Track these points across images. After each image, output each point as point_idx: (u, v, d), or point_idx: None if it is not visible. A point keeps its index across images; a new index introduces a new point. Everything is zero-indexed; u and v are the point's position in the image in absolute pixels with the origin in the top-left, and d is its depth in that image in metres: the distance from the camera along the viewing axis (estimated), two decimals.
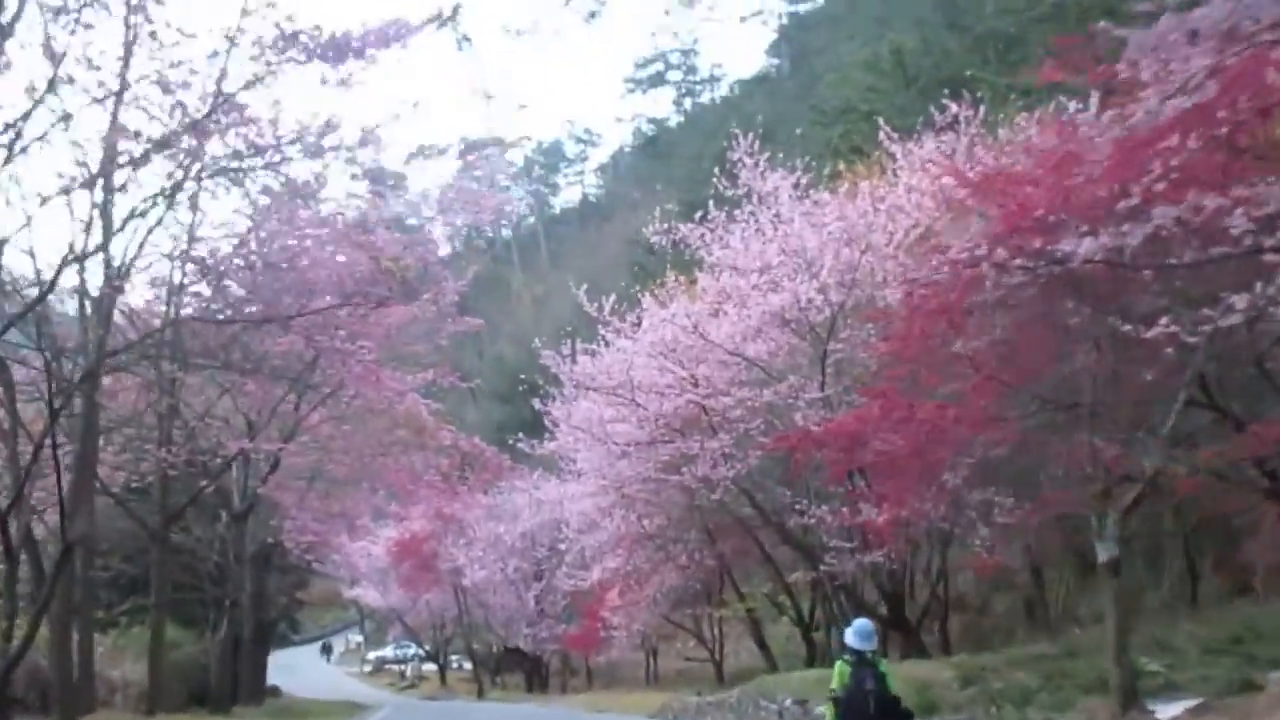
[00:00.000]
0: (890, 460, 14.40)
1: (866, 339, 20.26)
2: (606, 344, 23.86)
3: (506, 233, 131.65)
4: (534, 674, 45.89)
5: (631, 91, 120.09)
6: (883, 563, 20.49)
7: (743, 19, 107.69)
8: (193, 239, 18.27)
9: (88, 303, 16.85)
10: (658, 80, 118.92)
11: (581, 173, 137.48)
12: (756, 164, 22.21)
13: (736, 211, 22.36)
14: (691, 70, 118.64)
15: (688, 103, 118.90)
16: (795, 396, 20.34)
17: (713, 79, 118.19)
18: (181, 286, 18.93)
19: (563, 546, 38.35)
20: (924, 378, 14.55)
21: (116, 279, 16.76)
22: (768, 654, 32.67)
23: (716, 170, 23.12)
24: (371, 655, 70.94)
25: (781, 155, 23.09)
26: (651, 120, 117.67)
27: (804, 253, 20.23)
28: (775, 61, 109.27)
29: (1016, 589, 34.01)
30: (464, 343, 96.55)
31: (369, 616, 76.49)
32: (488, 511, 43.96)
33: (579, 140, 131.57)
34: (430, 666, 59.01)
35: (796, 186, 21.94)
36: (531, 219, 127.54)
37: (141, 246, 17.11)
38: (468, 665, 59.69)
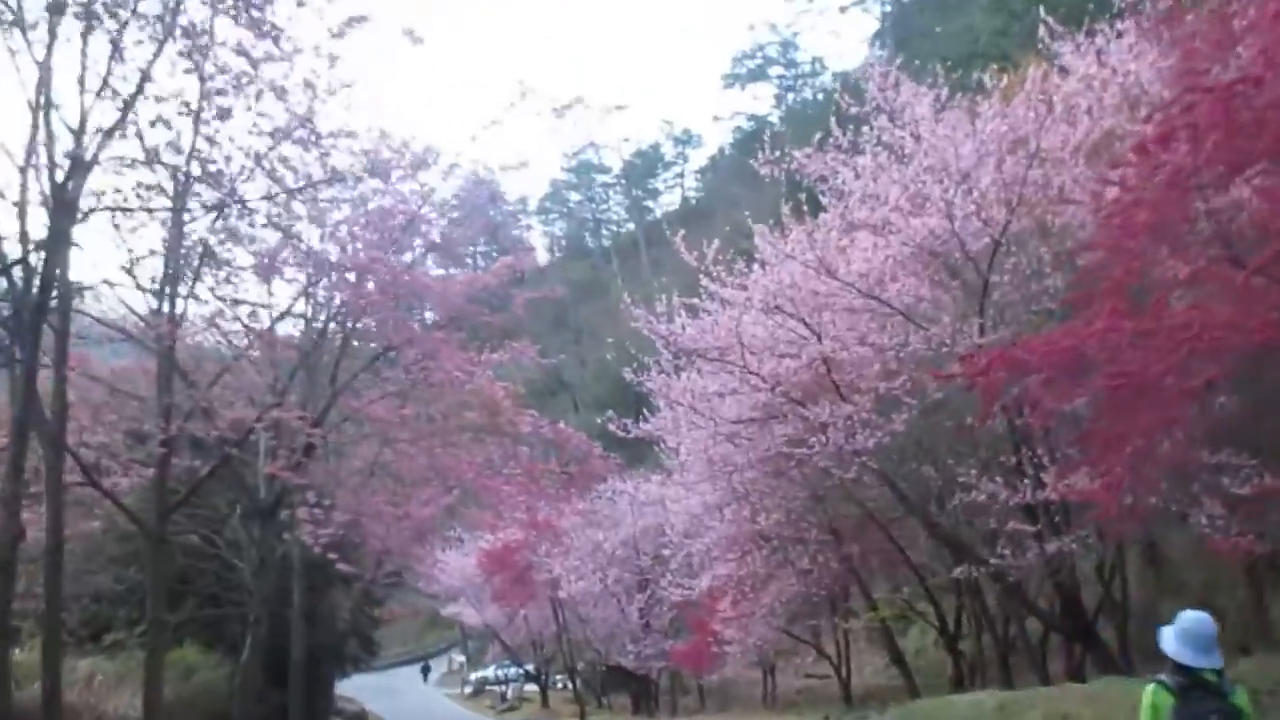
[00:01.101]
0: (1130, 390, 9.95)
1: (1036, 269, 15.93)
2: (709, 297, 19.76)
3: (606, 240, 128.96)
4: (641, 694, 41.81)
5: (729, 87, 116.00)
6: (1069, 553, 16.04)
7: (843, 9, 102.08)
8: None
9: None
10: (757, 75, 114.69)
11: (681, 175, 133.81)
12: (888, 75, 18.01)
13: (865, 129, 18.13)
14: (792, 64, 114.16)
15: (789, 97, 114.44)
16: (948, 344, 16.02)
17: (814, 73, 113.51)
18: None
19: (667, 552, 34.30)
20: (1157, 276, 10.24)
21: None
22: (904, 670, 28.23)
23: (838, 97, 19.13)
24: (473, 676, 67.73)
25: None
26: (751, 117, 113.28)
27: (954, 166, 15.93)
28: (879, 52, 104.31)
29: (1187, 593, 29.21)
30: (564, 348, 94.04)
31: (471, 636, 73.59)
32: (585, 518, 40.15)
33: (677, 141, 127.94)
34: (532, 687, 55.34)
35: (938, 100, 17.65)
36: (631, 225, 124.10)
37: None
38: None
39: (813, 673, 43.88)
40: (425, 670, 74.46)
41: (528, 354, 22.89)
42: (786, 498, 25.82)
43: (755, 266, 19.66)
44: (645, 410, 30.89)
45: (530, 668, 54.92)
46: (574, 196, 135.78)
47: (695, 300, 19.79)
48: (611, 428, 22.02)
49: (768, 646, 31.65)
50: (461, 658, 77.88)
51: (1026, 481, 15.14)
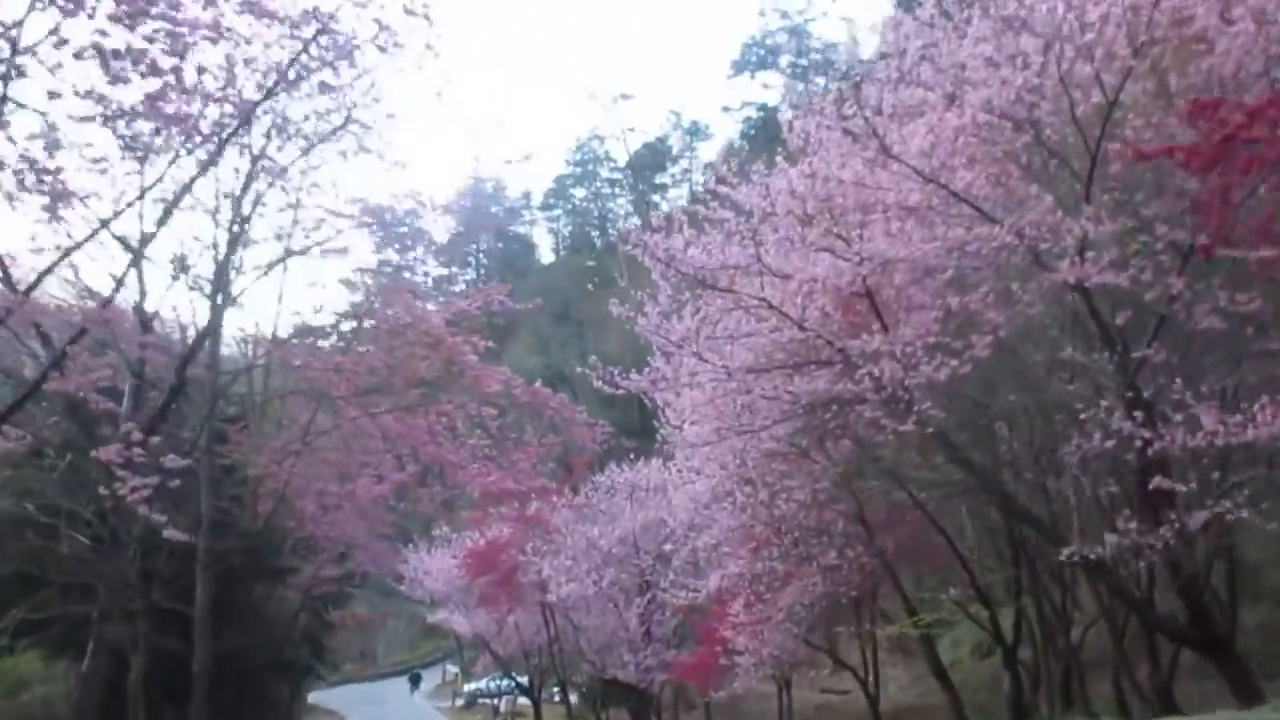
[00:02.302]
0: None
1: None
2: (721, 203, 15.44)
3: (612, 235, 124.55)
4: (641, 710, 37.31)
5: (738, 74, 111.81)
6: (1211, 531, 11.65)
7: None
8: None
9: None
10: (766, 63, 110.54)
11: (689, 170, 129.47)
12: None
13: None
14: (803, 51, 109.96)
15: (800, 87, 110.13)
16: (1048, 240, 11.63)
17: (827, 61, 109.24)
18: None
19: (669, 548, 29.99)
20: None
21: None
22: (947, 685, 23.85)
23: None
24: (467, 688, 63.29)
25: None
26: (761, 107, 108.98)
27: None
28: (891, 38, 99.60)
29: (1267, 598, 25.01)
30: (567, 344, 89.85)
31: (466, 645, 69.12)
32: (577, 512, 35.84)
33: (686, 132, 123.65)
34: (526, 701, 50.82)
35: None
36: (636, 220, 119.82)
37: None
38: (572, 698, 51.78)
39: (830, 687, 39.65)
40: (414, 681, 70.04)
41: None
42: (812, 477, 21.54)
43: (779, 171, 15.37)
44: (649, 404, 27.13)
45: (523, 680, 50.49)
46: (578, 192, 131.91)
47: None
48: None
49: (785, 657, 27.22)
50: (455, 668, 73.47)
51: (1178, 421, 10.73)
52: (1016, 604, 21.16)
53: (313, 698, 63.25)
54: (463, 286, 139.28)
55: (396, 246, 19.03)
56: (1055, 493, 15.11)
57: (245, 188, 15.78)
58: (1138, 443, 10.97)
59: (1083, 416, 12.05)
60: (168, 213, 12.90)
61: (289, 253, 17.18)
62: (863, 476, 22.85)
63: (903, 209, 12.92)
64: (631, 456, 33.55)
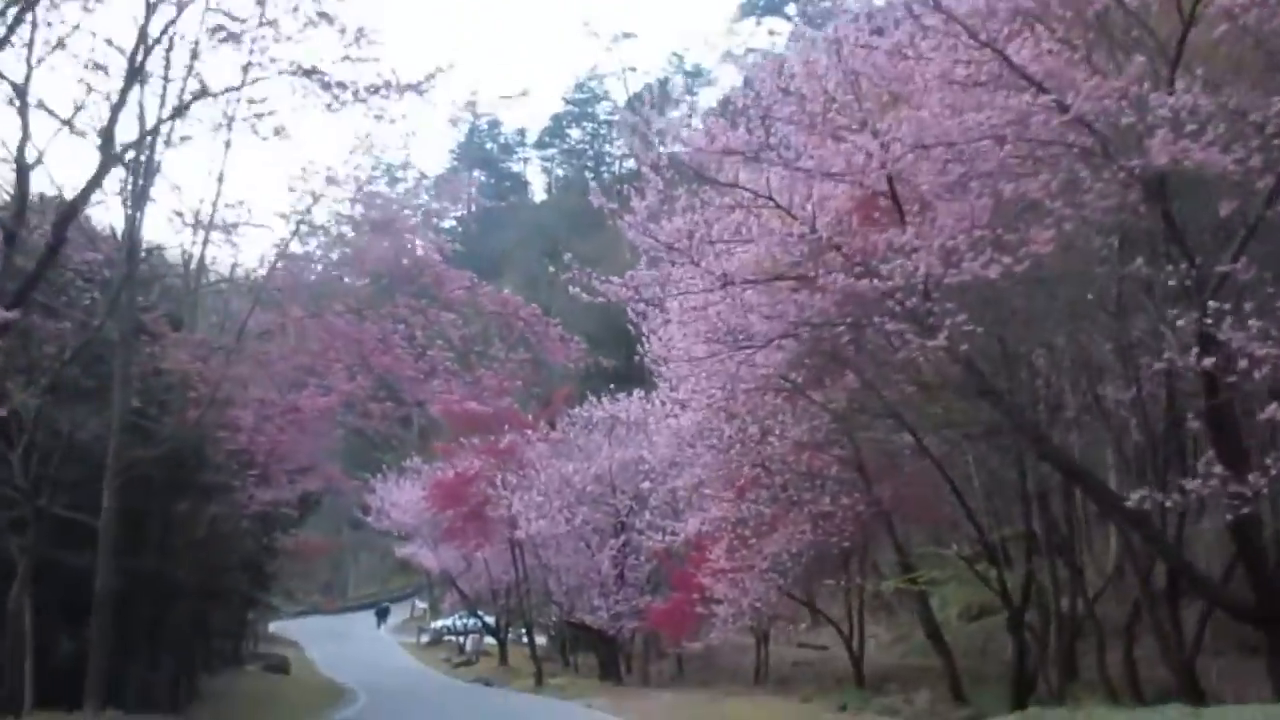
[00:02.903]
0: None
1: None
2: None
3: (607, 178, 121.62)
4: (610, 658, 35.45)
5: (745, 17, 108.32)
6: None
7: None
8: None
9: None
10: (773, 8, 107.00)
11: (690, 115, 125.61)
12: None
13: None
14: None
15: (808, 34, 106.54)
16: (1132, 116, 9.40)
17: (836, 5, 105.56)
18: None
19: (646, 486, 27.95)
20: None
21: None
22: (943, 649, 21.95)
23: None
24: (435, 625, 61.46)
25: None
26: (766, 54, 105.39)
27: None
28: None
29: None
30: (556, 283, 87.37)
31: (436, 582, 67.28)
32: (553, 447, 33.78)
33: (687, 75, 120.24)
34: (493, 641, 48.99)
35: None
36: (632, 160, 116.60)
37: None
38: (541, 640, 50.06)
39: (806, 642, 37.86)
40: (381, 614, 68.37)
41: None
42: (808, 414, 19.51)
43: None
44: (635, 330, 25.09)
45: (490, 619, 48.72)
46: (575, 132, 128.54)
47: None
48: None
49: (765, 609, 25.31)
50: (424, 604, 71.70)
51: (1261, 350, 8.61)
52: (1027, 564, 19.15)
53: (274, 628, 61.65)
54: (453, 223, 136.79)
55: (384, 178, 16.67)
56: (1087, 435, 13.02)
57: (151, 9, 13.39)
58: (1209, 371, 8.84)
59: (1139, 344, 9.93)
60: (59, 46, 10.61)
61: (228, 120, 14.93)
62: (863, 416, 20.89)
63: (947, 83, 10.68)
64: (612, 388, 31.41)
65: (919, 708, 20.51)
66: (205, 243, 16.66)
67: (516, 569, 35.92)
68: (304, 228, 16.99)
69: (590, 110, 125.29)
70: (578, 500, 32.29)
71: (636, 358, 25.63)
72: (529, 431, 33.62)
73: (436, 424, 45.58)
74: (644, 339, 22.48)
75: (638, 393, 28.14)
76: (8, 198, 12.43)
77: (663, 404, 23.08)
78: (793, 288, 13.83)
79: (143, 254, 15.98)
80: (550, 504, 32.03)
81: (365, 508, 46.62)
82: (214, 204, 16.91)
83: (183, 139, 15.79)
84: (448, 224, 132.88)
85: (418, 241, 16.23)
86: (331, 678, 36.01)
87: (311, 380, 17.74)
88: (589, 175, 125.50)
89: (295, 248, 17.39)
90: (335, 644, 55.69)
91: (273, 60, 14.88)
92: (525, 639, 48.76)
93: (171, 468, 16.38)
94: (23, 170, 11.64)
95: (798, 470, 22.01)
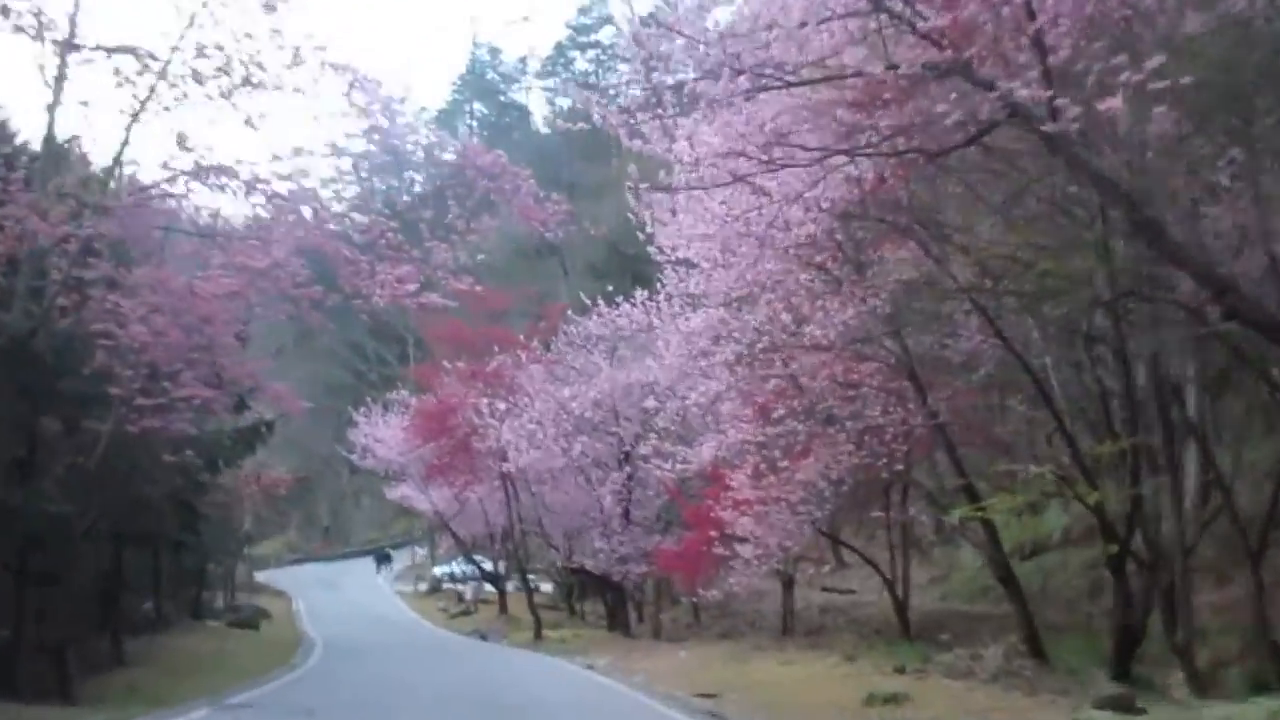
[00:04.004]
0: None
1: None
2: None
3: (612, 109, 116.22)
4: (619, 607, 31.50)
5: None
6: None
7: None
8: None
9: None
10: None
11: (701, 41, 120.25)
12: None
13: None
14: None
15: None
16: None
17: None
18: None
19: (652, 404, 23.84)
20: None
21: None
22: (1016, 595, 17.84)
23: None
24: (436, 572, 57.83)
25: None
26: None
27: None
28: None
29: None
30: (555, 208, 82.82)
31: (435, 527, 63.62)
32: (547, 369, 29.65)
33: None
34: (492, 589, 45.14)
35: None
36: (637, 90, 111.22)
37: None
38: (546, 587, 46.29)
39: (832, 586, 34.02)
40: (380, 561, 64.75)
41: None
42: (851, 300, 15.29)
43: None
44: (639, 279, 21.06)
45: (487, 565, 44.92)
46: (579, 60, 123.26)
47: None
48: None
49: (794, 547, 21.25)
50: (424, 551, 68.16)
51: None
52: (1132, 487, 14.97)
53: (263, 577, 58.27)
54: (452, 155, 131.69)
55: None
56: None
57: None
58: None
59: None
60: None
61: None
62: (916, 314, 16.76)
63: None
64: (611, 289, 27.14)
65: (993, 666, 16.45)
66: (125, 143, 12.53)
67: (510, 508, 31.87)
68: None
69: (594, 37, 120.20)
70: (575, 429, 28.21)
71: (643, 292, 21.57)
72: (521, 353, 29.51)
73: (429, 355, 41.76)
74: (648, 227, 18.48)
75: (641, 295, 23.80)
76: None
77: (669, 301, 18.79)
78: (853, 100, 9.52)
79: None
80: (544, 433, 27.95)
81: (349, 445, 42.78)
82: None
83: None
84: (448, 155, 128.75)
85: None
86: (306, 633, 32.33)
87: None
88: (594, 109, 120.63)
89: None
90: (327, 593, 52.24)
91: None
92: (535, 585, 45.41)
93: (19, 369, 12.31)
94: None
95: (834, 380, 17.90)
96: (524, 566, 34.70)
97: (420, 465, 38.77)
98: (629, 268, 37.50)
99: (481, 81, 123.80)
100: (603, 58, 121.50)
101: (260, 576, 58.37)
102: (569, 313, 30.58)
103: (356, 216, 14.05)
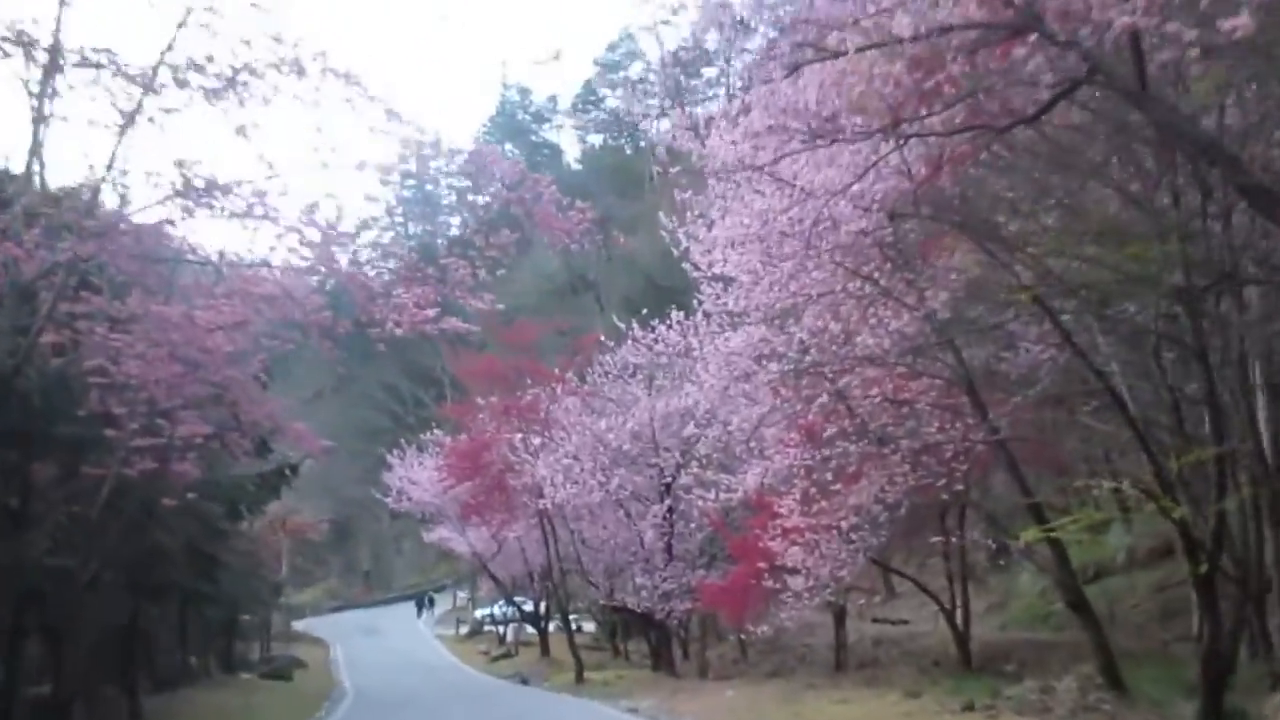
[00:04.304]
0: None
1: None
2: None
3: (643, 144, 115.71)
4: (663, 645, 30.19)
5: None
6: None
7: None
8: None
9: None
10: None
11: (725, 74, 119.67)
12: None
13: None
14: None
15: None
16: None
17: None
18: None
19: (693, 431, 22.77)
20: None
21: None
22: (1089, 618, 16.53)
23: None
24: (478, 614, 56.74)
25: None
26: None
27: None
28: None
29: None
30: (589, 242, 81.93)
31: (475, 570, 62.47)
32: (583, 401, 28.63)
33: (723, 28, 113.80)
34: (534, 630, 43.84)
35: None
36: (668, 121, 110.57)
37: None
38: (589, 627, 45.00)
39: (883, 617, 32.62)
40: (421, 605, 63.91)
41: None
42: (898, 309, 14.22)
43: None
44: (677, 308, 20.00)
45: (527, 606, 43.71)
46: (609, 97, 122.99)
47: None
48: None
49: (847, 577, 20.02)
50: (466, 594, 67.06)
51: None
52: (1217, 502, 13.72)
53: (301, 625, 57.49)
54: (486, 199, 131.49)
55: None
56: None
57: None
58: None
59: None
60: None
61: None
62: (970, 326, 15.65)
63: None
64: (645, 313, 26.04)
65: (1068, 699, 15.18)
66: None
67: (547, 546, 30.76)
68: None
69: (624, 74, 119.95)
70: (613, 462, 27.11)
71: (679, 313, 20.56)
72: (555, 386, 28.52)
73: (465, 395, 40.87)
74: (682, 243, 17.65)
75: (677, 315, 22.66)
76: None
77: (707, 319, 17.76)
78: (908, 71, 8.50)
79: None
80: (581, 466, 26.89)
81: (384, 487, 41.94)
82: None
83: None
84: (481, 199, 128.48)
85: None
86: (340, 682, 31.32)
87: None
88: (623, 140, 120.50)
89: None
90: (366, 640, 51.29)
91: None
92: (577, 626, 44.11)
93: (4, 411, 11.44)
94: None
95: (885, 397, 16.78)
96: (564, 606, 33.53)
97: (456, 506, 37.77)
98: (666, 300, 36.55)
99: (512, 122, 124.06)
100: (634, 93, 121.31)
101: (299, 625, 57.66)
102: (604, 340, 29.69)
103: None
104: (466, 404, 31.04)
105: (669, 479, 26.68)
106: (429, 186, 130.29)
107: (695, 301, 18.63)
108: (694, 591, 25.85)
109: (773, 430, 18.75)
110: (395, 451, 40.83)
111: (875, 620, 32.82)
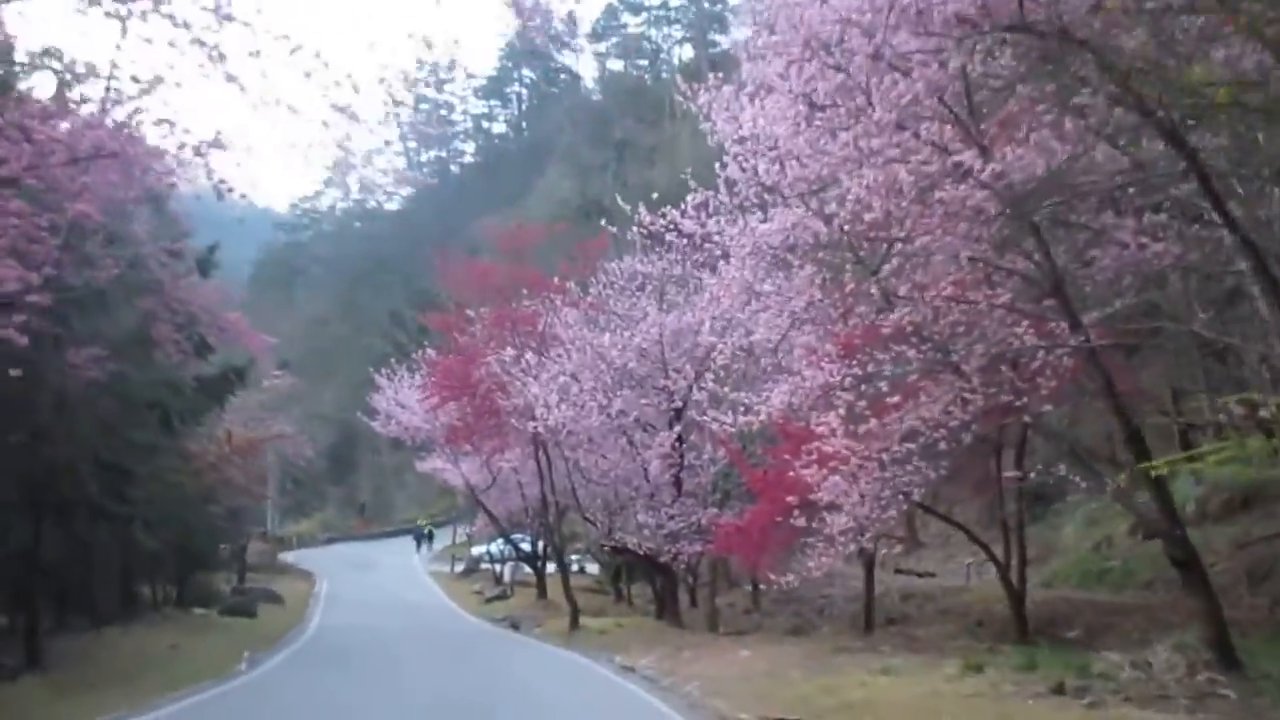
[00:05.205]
0: None
1: None
2: None
3: (665, 75, 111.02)
4: (668, 592, 26.84)
5: None
6: None
7: None
8: None
9: None
10: None
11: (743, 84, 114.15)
12: None
13: None
14: None
15: None
16: None
17: None
18: None
19: (709, 339, 19.31)
20: None
21: None
22: (1197, 581, 13.08)
23: None
24: (475, 551, 53.71)
25: None
26: None
27: None
28: None
29: None
30: (604, 166, 78.14)
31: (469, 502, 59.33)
32: (584, 315, 25.24)
33: None
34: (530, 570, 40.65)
35: None
36: (691, 48, 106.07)
37: None
38: (592, 569, 41.94)
39: (907, 568, 29.67)
40: (420, 540, 61.22)
41: None
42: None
43: None
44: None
45: (525, 544, 40.62)
46: (630, 20, 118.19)
47: None
48: None
49: (893, 517, 16.60)
50: (466, 529, 64.16)
51: None
52: None
53: (291, 557, 54.72)
54: (504, 128, 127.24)
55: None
56: None
57: None
58: None
59: None
60: None
61: None
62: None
63: None
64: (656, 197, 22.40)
65: (1177, 680, 11.83)
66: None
67: (541, 478, 27.34)
68: None
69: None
70: (616, 383, 23.74)
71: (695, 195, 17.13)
72: (555, 297, 25.14)
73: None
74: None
75: (693, 198, 18.90)
76: None
77: (731, 191, 14.19)
78: None
79: None
80: (580, 386, 23.52)
81: (370, 410, 38.69)
82: None
83: None
84: (497, 128, 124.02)
85: None
86: (305, 622, 28.17)
87: None
88: (644, 67, 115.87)
89: None
90: (356, 574, 48.37)
91: None
92: (578, 567, 40.94)
93: None
94: None
95: (947, 298, 13.24)
96: (559, 545, 30.18)
97: (446, 432, 34.46)
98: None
99: (531, 46, 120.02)
100: (657, 16, 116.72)
101: (289, 557, 54.82)
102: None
103: None
104: (456, 315, 27.55)
105: (679, 403, 23.28)
106: (442, 111, 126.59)
107: (718, 178, 15.13)
108: (704, 532, 22.55)
109: (807, 338, 15.27)
110: (384, 371, 37.48)
111: (899, 571, 29.72)
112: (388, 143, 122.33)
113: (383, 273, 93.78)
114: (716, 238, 15.59)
